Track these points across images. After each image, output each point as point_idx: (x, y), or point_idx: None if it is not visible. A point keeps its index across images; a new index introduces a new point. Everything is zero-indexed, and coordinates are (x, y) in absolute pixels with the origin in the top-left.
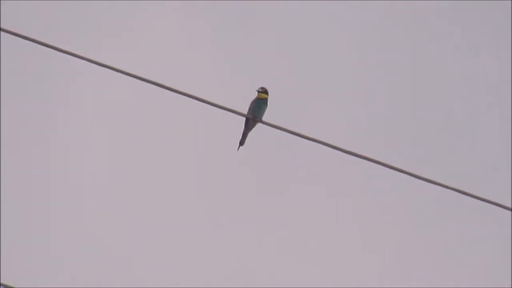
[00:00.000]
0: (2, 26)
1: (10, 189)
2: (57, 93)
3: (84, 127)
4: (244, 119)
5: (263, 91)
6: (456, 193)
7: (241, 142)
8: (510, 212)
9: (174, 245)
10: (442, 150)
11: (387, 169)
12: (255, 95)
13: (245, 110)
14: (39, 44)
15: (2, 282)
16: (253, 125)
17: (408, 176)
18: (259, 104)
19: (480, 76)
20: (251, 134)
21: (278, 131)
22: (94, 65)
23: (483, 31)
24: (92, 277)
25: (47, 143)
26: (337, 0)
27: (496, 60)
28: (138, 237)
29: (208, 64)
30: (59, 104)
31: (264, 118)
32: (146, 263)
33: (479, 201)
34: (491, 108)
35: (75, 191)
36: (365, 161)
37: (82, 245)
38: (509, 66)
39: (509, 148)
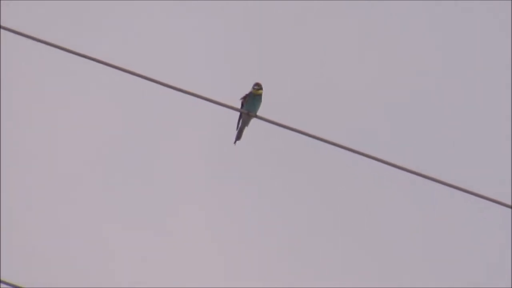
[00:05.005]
0: None
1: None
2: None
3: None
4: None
5: (259, 88)
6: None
7: (238, 137)
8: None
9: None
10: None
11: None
12: (247, 90)
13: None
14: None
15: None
16: (249, 120)
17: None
18: (254, 100)
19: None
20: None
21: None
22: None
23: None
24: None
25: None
26: None
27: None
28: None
29: (199, 59)
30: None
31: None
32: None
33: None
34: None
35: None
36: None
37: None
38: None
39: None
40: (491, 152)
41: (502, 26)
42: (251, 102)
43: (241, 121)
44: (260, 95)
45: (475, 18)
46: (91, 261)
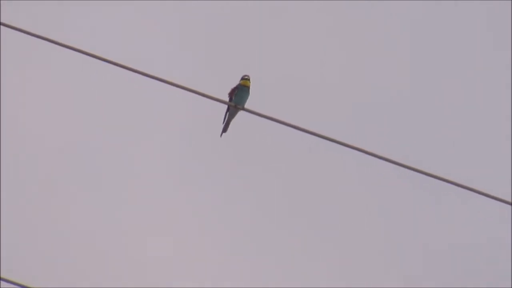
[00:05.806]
0: None
1: None
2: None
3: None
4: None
5: (247, 79)
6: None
7: (224, 129)
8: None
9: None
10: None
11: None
12: (235, 83)
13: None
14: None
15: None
16: (236, 113)
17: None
18: (242, 92)
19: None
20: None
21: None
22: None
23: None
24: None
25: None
26: None
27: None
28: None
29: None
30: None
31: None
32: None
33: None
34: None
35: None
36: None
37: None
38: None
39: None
40: (491, 150)
41: (502, 26)
42: (239, 95)
43: (228, 113)
44: (248, 88)
45: (475, 18)
46: (83, 260)
